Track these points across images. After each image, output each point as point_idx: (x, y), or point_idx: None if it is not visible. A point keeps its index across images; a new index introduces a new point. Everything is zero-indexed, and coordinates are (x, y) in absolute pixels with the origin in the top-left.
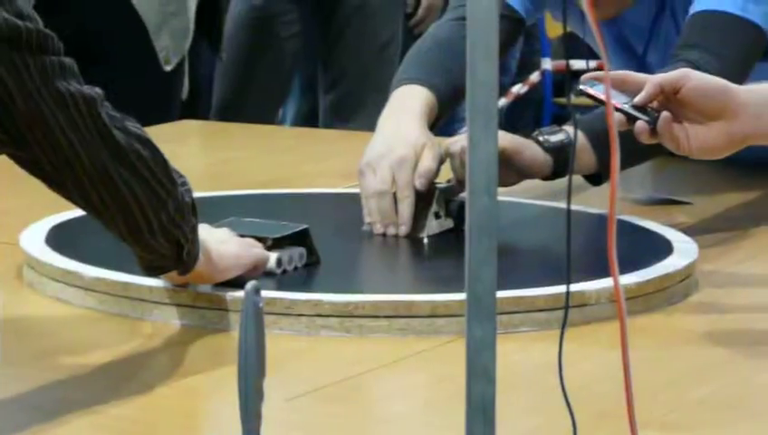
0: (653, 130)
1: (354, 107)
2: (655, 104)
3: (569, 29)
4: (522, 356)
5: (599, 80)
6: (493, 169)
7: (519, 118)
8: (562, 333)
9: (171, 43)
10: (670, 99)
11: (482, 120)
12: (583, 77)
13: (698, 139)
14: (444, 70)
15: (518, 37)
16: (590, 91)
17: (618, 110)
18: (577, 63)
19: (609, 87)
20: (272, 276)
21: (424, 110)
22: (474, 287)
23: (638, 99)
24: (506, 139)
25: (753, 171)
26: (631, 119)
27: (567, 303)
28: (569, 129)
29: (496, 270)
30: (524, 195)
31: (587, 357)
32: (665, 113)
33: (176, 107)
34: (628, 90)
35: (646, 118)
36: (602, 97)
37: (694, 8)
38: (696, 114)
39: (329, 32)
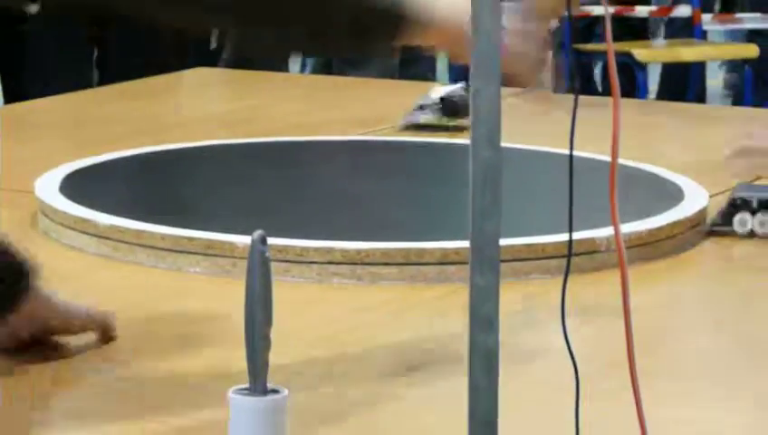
0: None
1: None
2: None
3: None
4: (529, 304)
5: None
6: (495, 120)
7: None
8: (565, 281)
9: None
10: None
11: (484, 69)
12: None
13: None
14: None
15: None
16: None
17: None
18: (595, 9)
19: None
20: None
21: None
22: (477, 239)
23: None
24: None
25: None
26: None
27: (570, 250)
28: None
29: (500, 223)
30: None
31: (596, 305)
32: None
33: (201, 54)
34: None
35: None
36: None
37: None
38: None
39: None
